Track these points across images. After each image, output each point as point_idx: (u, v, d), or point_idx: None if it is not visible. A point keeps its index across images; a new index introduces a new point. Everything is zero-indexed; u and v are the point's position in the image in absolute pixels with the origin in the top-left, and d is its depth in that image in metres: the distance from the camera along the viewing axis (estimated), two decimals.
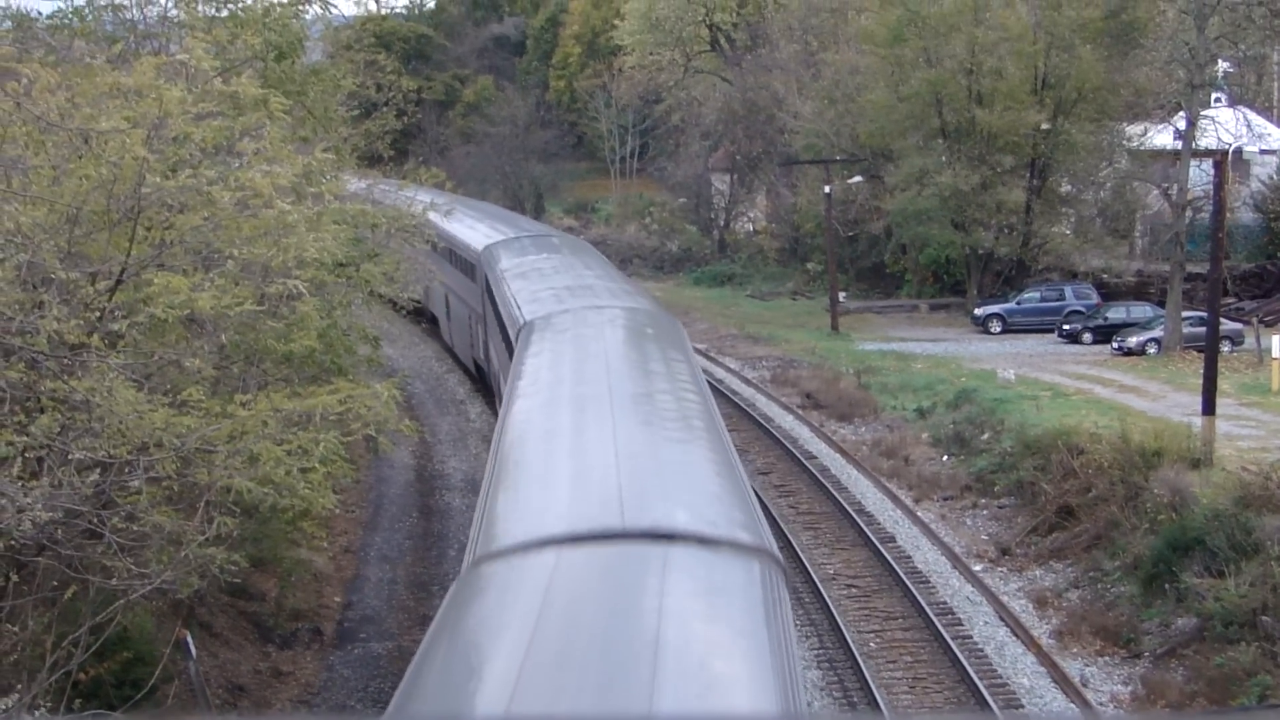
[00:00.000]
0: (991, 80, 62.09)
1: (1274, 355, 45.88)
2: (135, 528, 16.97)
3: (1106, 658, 28.96)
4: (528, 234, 47.88)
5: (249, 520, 22.69)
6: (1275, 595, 27.19)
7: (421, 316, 63.63)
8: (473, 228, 50.35)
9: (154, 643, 22.67)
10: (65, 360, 16.88)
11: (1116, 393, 45.54)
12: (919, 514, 37.48)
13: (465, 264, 48.15)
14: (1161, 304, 57.41)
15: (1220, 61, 58.97)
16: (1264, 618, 26.84)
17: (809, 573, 32.73)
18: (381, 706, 26.91)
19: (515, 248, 43.36)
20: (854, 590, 32.48)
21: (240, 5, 30.47)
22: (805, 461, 41.65)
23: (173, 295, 17.11)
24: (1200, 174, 55.19)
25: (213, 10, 30.02)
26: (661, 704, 8.70)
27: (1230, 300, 58.56)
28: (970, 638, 29.58)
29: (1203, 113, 55.87)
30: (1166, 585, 29.74)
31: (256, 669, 28.13)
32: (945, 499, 38.74)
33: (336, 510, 26.34)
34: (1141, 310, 58.76)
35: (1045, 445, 37.49)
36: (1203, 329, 40.90)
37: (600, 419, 16.92)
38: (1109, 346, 55.53)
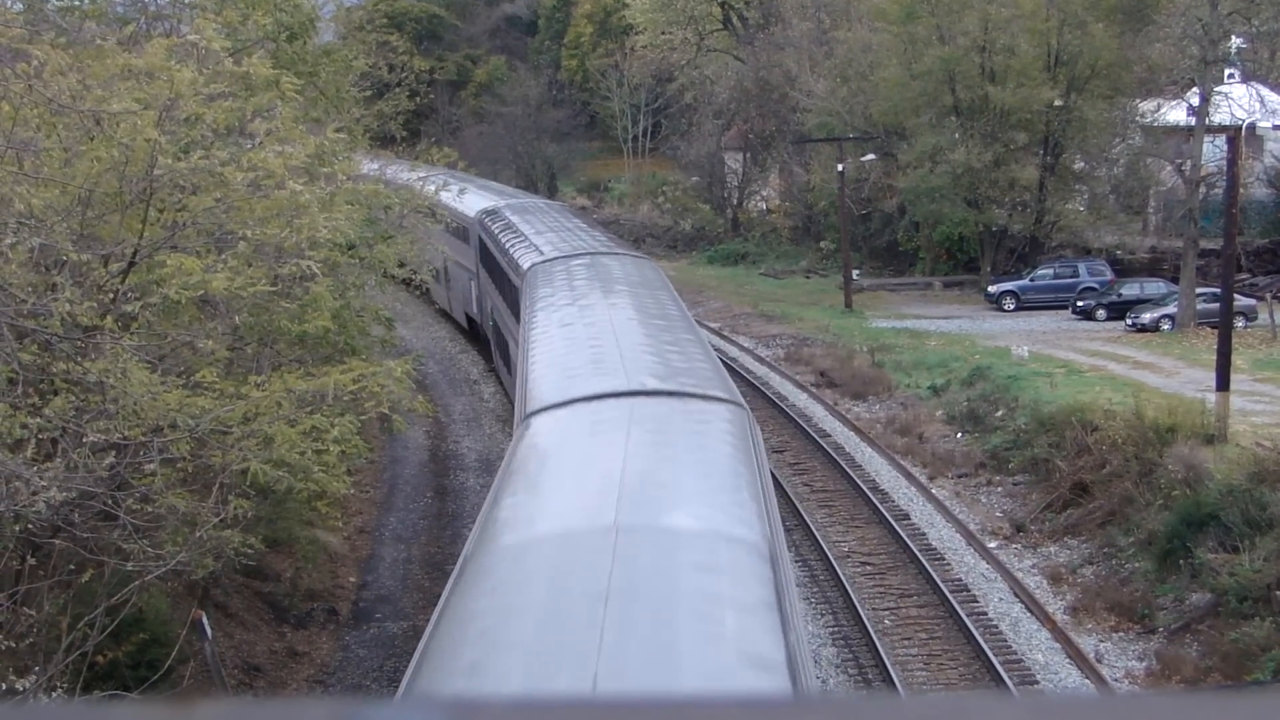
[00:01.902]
0: (1004, 57, 61.95)
1: None
2: (150, 509, 17.00)
3: (1121, 634, 28.96)
4: None
5: (264, 501, 22.71)
6: None
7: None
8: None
9: (170, 624, 22.74)
10: (79, 342, 16.90)
11: (1130, 369, 45.44)
12: (933, 491, 37.47)
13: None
14: (1175, 280, 57.19)
15: (1233, 37, 58.82)
16: (1278, 593, 26.83)
17: (824, 550, 32.77)
18: (397, 686, 26.99)
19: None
20: (869, 567, 32.49)
21: None
22: (819, 439, 41.64)
23: (186, 277, 17.09)
24: (1214, 150, 55.03)
25: None
26: None
27: (1244, 276, 58.44)
28: (985, 614, 29.58)
29: (1216, 88, 55.69)
30: (1181, 561, 29.72)
31: (272, 649, 28.21)
32: (959, 476, 38.73)
33: (351, 491, 26.34)
34: (1155, 287, 58.59)
35: (1059, 422, 37.47)
36: (1216, 305, 40.80)
37: None
38: (1123, 323, 55.34)
